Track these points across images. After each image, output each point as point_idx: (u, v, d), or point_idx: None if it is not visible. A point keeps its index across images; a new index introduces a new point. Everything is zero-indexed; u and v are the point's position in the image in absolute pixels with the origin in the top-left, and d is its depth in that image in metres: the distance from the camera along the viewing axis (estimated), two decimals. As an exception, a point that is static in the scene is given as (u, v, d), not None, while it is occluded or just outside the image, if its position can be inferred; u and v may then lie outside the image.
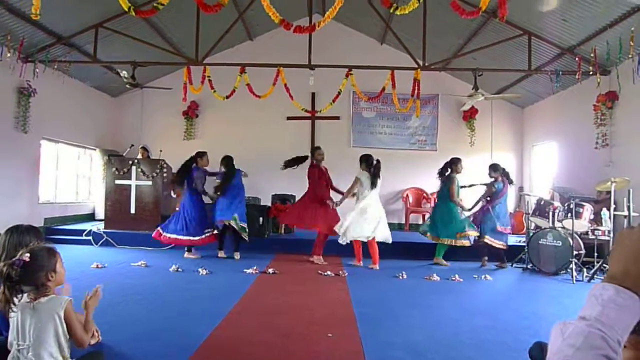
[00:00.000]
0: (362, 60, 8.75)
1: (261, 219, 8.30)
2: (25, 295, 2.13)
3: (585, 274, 6.18)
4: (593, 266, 6.28)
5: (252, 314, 4.15)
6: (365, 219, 6.68)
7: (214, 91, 8.22)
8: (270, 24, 7.62)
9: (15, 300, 2.08)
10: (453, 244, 6.93)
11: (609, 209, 6.31)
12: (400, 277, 6.02)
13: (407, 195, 10.78)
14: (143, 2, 7.64)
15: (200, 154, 7.25)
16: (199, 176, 7.13)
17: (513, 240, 8.56)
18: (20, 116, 7.94)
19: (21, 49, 7.37)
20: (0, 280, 2.09)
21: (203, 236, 7.10)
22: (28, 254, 2.09)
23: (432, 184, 10.37)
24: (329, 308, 4.47)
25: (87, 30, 8.01)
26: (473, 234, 6.93)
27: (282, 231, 8.93)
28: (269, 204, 9.00)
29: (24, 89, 7.90)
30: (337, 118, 10.78)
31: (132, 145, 9.82)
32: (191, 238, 7.04)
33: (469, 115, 10.74)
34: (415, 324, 3.96)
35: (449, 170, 7.22)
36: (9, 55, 7.23)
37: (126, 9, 4.04)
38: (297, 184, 8.74)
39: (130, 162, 8.62)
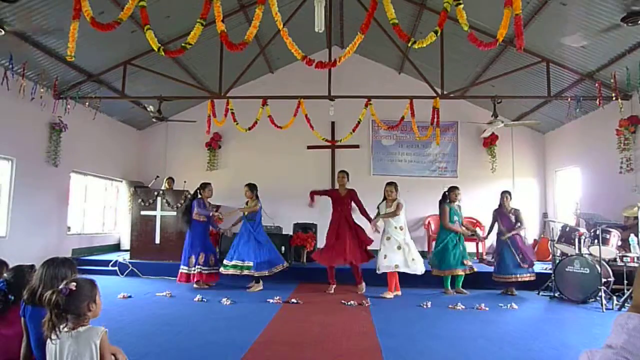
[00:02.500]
0: (380, 90, 8.89)
1: (283, 247, 8.35)
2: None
3: (616, 302, 6.02)
4: (623, 294, 6.11)
5: (277, 345, 4.17)
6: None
7: (237, 123, 8.43)
8: (290, 57, 7.84)
9: (62, 326, 2.18)
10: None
11: (637, 235, 6.18)
12: (425, 306, 5.95)
13: (428, 222, 10.72)
14: (170, 40, 8.00)
15: (203, 186, 7.37)
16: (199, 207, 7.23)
17: (539, 267, 8.40)
18: (52, 150, 8.27)
19: (55, 87, 7.75)
20: (47, 308, 2.19)
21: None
22: (74, 283, 2.20)
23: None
24: (353, 339, 4.45)
25: (116, 68, 8.37)
26: None
27: (304, 260, 8.95)
28: (291, 233, 9.05)
29: (56, 125, 8.25)
30: (357, 147, 10.86)
31: (158, 176, 10.07)
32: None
33: (489, 142, 10.73)
34: (441, 355, 3.92)
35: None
36: (42, 92, 7.60)
37: (156, 49, 4.24)
38: (319, 213, 8.79)
39: (156, 193, 8.83)
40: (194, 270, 7.11)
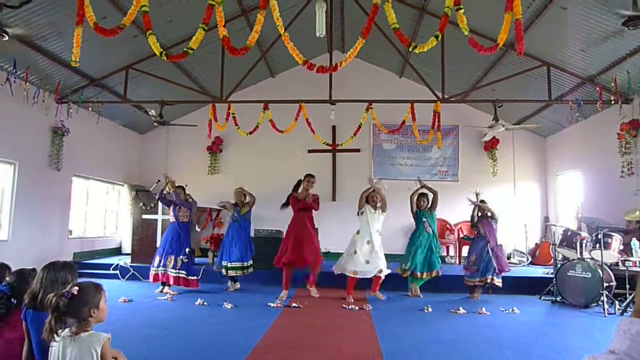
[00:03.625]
0: (381, 94, 8.90)
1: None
2: (67, 328, 2.23)
3: (618, 306, 6.00)
4: (625, 298, 6.10)
5: (278, 349, 4.17)
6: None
7: (238, 127, 8.44)
8: (291, 61, 7.86)
9: (59, 331, 2.18)
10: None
11: (639, 239, 6.17)
12: (426, 311, 5.94)
13: (429, 226, 10.69)
14: (171, 44, 8.03)
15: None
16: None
17: (540, 271, 8.40)
18: (54, 154, 8.28)
19: (57, 91, 7.78)
20: (48, 310, 2.20)
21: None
22: (77, 288, 2.21)
23: (455, 215, 10.33)
24: (354, 343, 4.44)
25: (118, 72, 8.40)
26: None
27: (305, 264, 8.92)
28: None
29: (58, 129, 8.27)
30: (358, 150, 10.87)
31: (159, 180, 10.06)
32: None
33: (490, 146, 10.73)
34: (443, 359, 3.91)
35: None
36: (44, 97, 7.63)
37: (158, 54, 4.26)
38: (319, 217, 8.78)
39: (157, 197, 8.81)
40: (157, 270, 7.01)
